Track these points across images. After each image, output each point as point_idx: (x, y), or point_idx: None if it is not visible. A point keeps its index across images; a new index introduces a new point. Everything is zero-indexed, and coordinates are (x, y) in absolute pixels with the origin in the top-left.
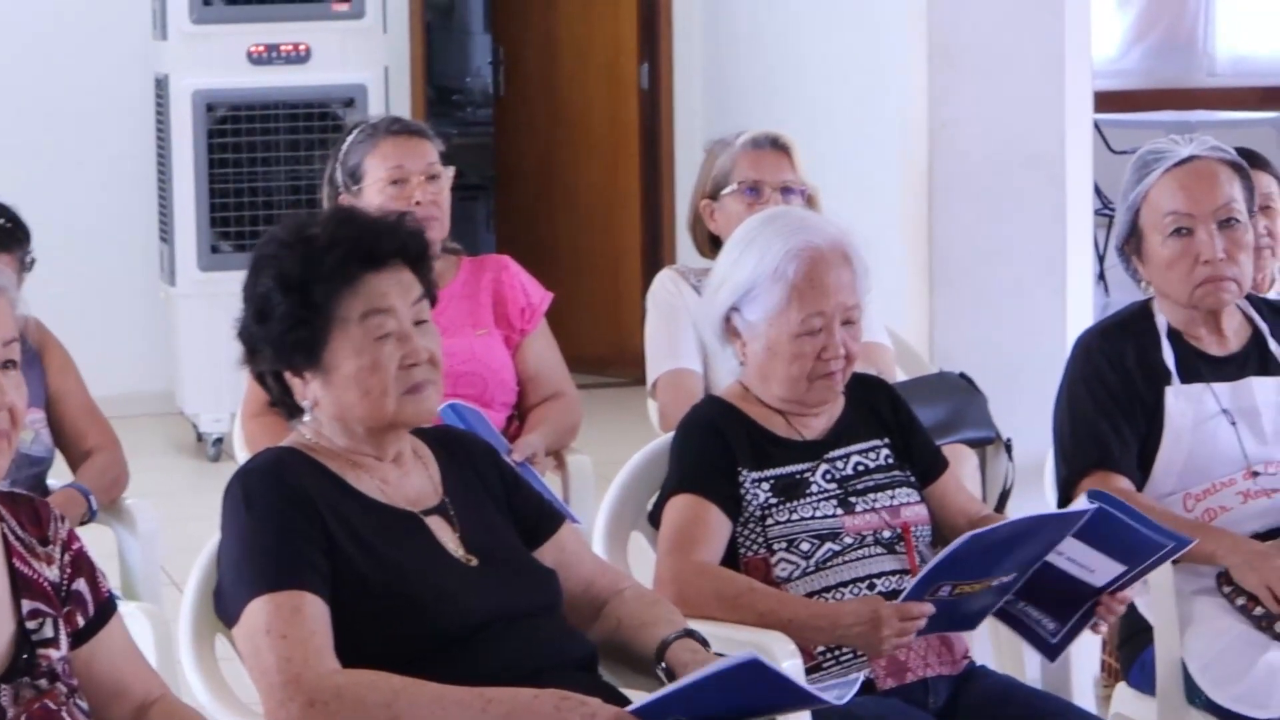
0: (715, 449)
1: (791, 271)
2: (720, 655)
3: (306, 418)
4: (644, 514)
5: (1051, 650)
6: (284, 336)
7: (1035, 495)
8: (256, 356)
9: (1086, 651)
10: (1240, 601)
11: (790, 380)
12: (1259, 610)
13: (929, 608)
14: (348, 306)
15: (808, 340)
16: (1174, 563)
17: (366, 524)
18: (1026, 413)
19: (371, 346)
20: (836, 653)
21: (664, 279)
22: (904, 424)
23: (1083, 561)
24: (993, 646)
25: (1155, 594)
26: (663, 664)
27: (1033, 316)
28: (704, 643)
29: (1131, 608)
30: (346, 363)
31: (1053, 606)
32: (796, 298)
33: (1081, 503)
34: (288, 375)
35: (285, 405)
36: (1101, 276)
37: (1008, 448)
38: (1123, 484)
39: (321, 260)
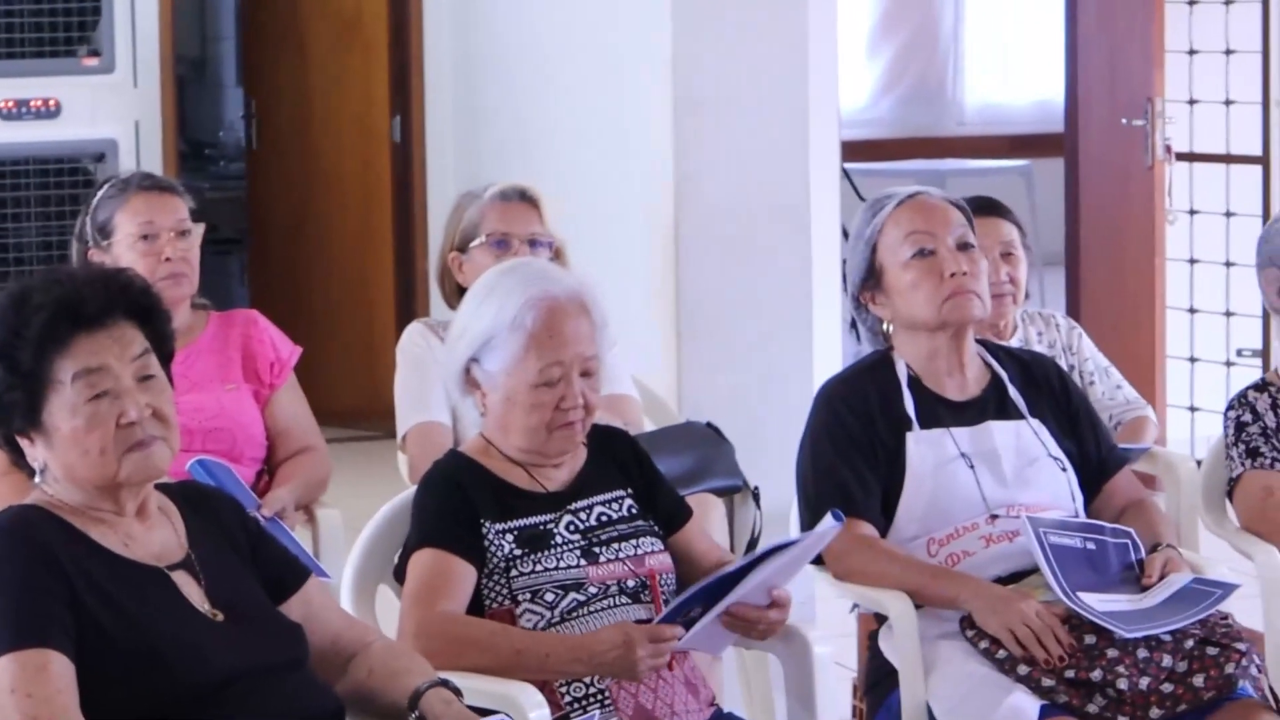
0: (456, 502)
1: (529, 321)
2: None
3: (37, 479)
4: (391, 567)
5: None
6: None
7: None
8: None
9: (836, 696)
10: (984, 645)
11: (529, 430)
12: (1002, 653)
13: (679, 630)
14: (59, 368)
15: (546, 390)
16: (918, 607)
17: (111, 579)
18: (774, 461)
19: (85, 407)
20: (584, 702)
21: (413, 332)
22: (646, 474)
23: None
24: (742, 691)
25: (899, 639)
26: (416, 712)
27: (780, 366)
28: (457, 692)
29: (877, 652)
30: (64, 424)
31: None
32: (535, 347)
33: (827, 521)
34: (18, 437)
35: (22, 465)
36: (855, 324)
37: (755, 496)
38: (866, 530)
39: (28, 323)
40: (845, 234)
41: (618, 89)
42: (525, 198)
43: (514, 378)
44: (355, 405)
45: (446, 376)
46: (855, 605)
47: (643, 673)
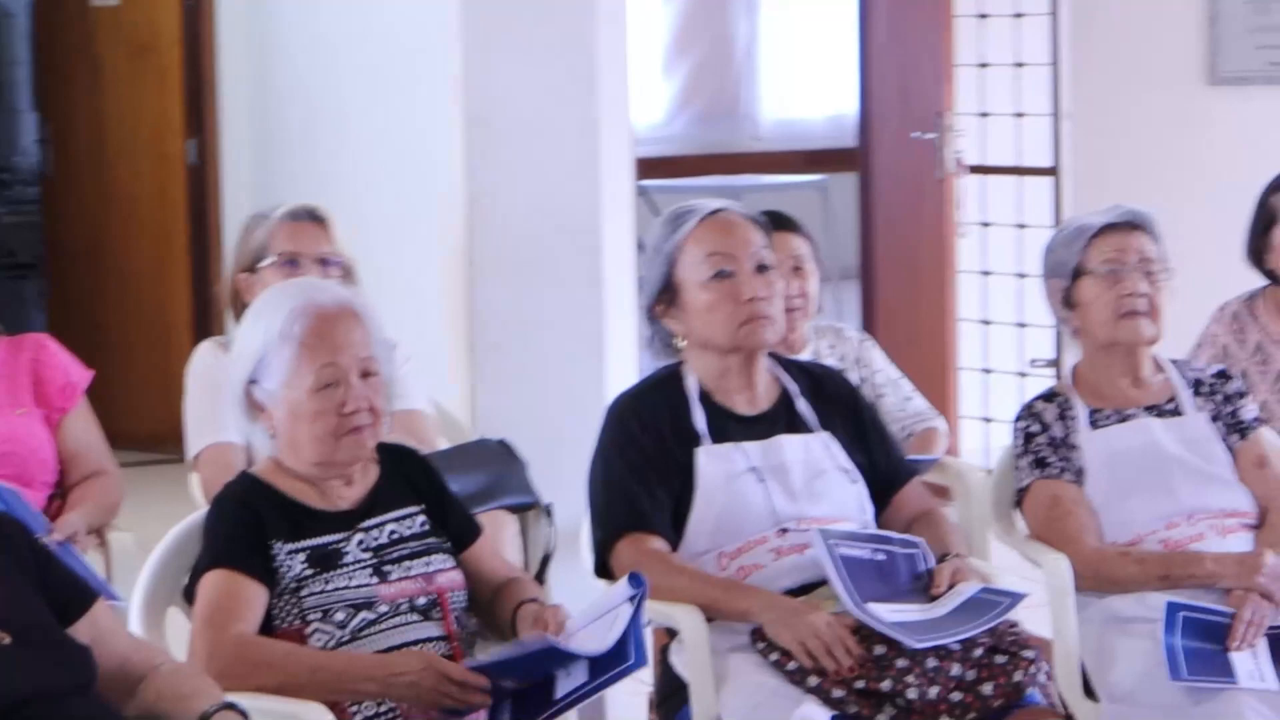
0: (246, 523)
1: (297, 330)
2: None
3: None
4: (180, 590)
5: None
6: None
7: (576, 559)
8: None
9: (630, 711)
10: (774, 657)
11: (317, 441)
12: (792, 665)
13: (484, 681)
14: None
15: (326, 395)
16: (708, 621)
17: None
18: (567, 478)
19: None
20: None
21: (204, 351)
22: (437, 491)
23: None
24: None
25: (690, 652)
26: None
27: (573, 383)
28: (244, 715)
29: (669, 666)
30: None
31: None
32: (307, 354)
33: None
34: None
35: None
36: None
37: (548, 513)
38: (656, 545)
39: None
40: (643, 249)
41: (409, 109)
42: (314, 217)
43: (292, 389)
44: (153, 429)
45: (231, 404)
46: (649, 620)
47: (439, 707)
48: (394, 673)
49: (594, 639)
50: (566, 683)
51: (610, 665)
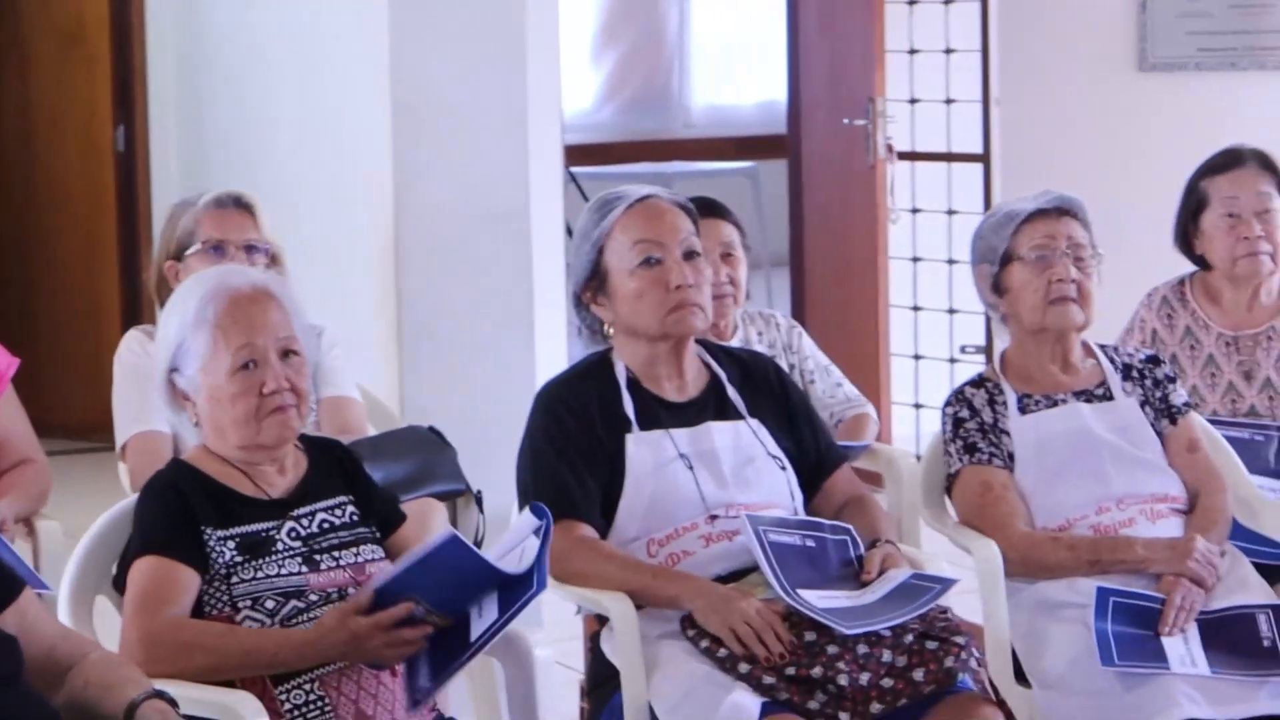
0: (176, 509)
1: (211, 313)
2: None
3: None
4: (110, 578)
5: (418, 693)
6: None
7: None
8: None
9: (562, 698)
10: (704, 644)
11: (240, 424)
12: (723, 652)
13: (403, 608)
14: None
15: (245, 376)
16: (638, 608)
17: None
18: (497, 465)
19: None
20: (304, 710)
21: (130, 340)
22: (364, 481)
23: (485, 608)
24: (470, 698)
25: (620, 639)
26: None
27: (502, 369)
28: (173, 703)
29: (599, 653)
30: None
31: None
32: (222, 336)
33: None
34: None
35: None
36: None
37: (478, 500)
38: (586, 532)
39: None
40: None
41: (338, 95)
42: (240, 204)
43: (211, 374)
44: (83, 417)
45: (156, 395)
46: (580, 607)
47: (390, 659)
48: (323, 634)
49: (505, 563)
50: (479, 624)
51: (516, 594)
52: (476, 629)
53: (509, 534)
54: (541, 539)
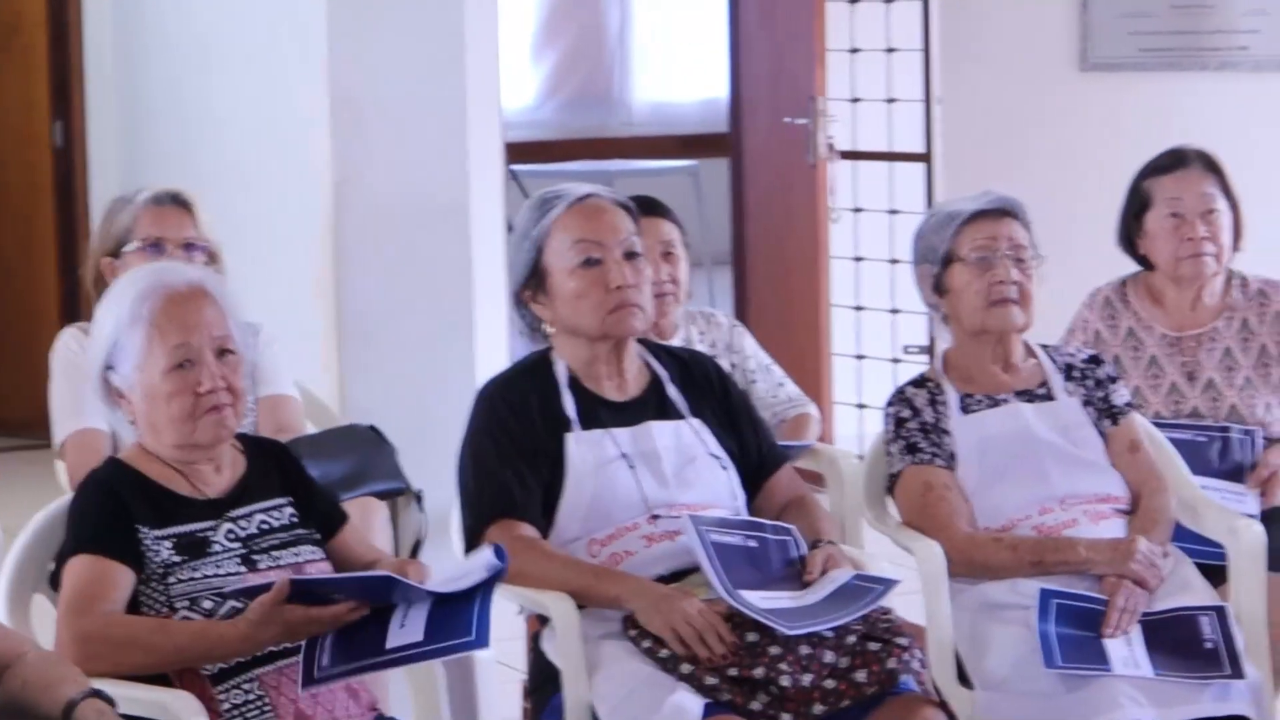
0: (111, 509)
1: (146, 311)
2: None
3: None
4: (46, 576)
5: (317, 671)
6: None
7: (447, 546)
8: None
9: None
10: (646, 644)
11: (175, 422)
12: (664, 652)
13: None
14: None
15: (179, 375)
16: (580, 608)
17: None
18: (437, 463)
19: None
20: (243, 709)
21: (66, 337)
22: (304, 483)
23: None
24: (411, 695)
25: (561, 639)
26: None
27: (442, 368)
28: (110, 702)
29: (540, 653)
30: None
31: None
32: (158, 334)
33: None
34: None
35: None
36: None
37: (419, 499)
38: (527, 531)
39: None
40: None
41: (276, 90)
42: (178, 201)
43: (146, 372)
44: (20, 415)
45: (91, 392)
46: (522, 607)
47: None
48: (255, 622)
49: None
50: (399, 633)
51: (450, 634)
52: (395, 637)
53: (462, 568)
54: (490, 587)
